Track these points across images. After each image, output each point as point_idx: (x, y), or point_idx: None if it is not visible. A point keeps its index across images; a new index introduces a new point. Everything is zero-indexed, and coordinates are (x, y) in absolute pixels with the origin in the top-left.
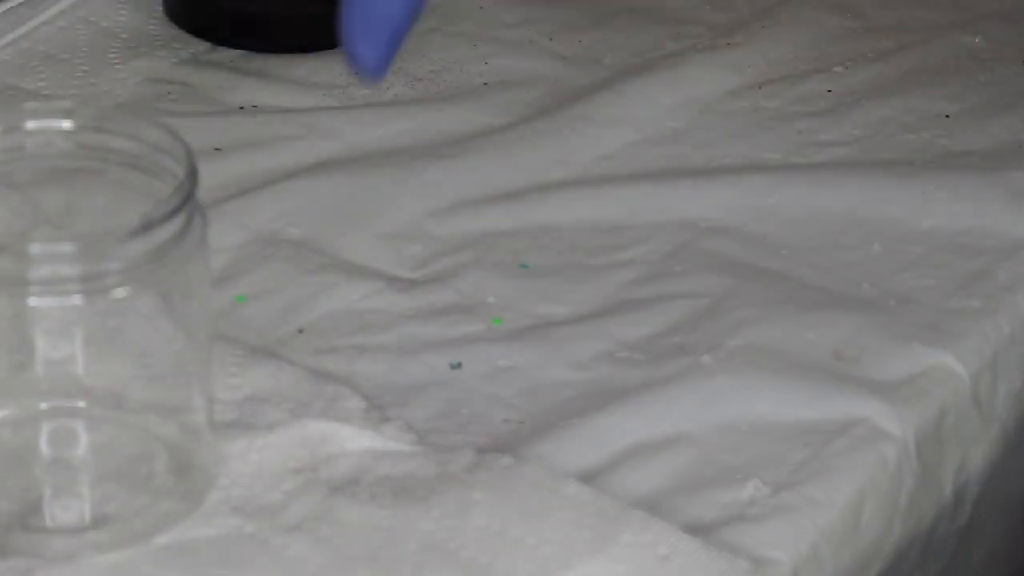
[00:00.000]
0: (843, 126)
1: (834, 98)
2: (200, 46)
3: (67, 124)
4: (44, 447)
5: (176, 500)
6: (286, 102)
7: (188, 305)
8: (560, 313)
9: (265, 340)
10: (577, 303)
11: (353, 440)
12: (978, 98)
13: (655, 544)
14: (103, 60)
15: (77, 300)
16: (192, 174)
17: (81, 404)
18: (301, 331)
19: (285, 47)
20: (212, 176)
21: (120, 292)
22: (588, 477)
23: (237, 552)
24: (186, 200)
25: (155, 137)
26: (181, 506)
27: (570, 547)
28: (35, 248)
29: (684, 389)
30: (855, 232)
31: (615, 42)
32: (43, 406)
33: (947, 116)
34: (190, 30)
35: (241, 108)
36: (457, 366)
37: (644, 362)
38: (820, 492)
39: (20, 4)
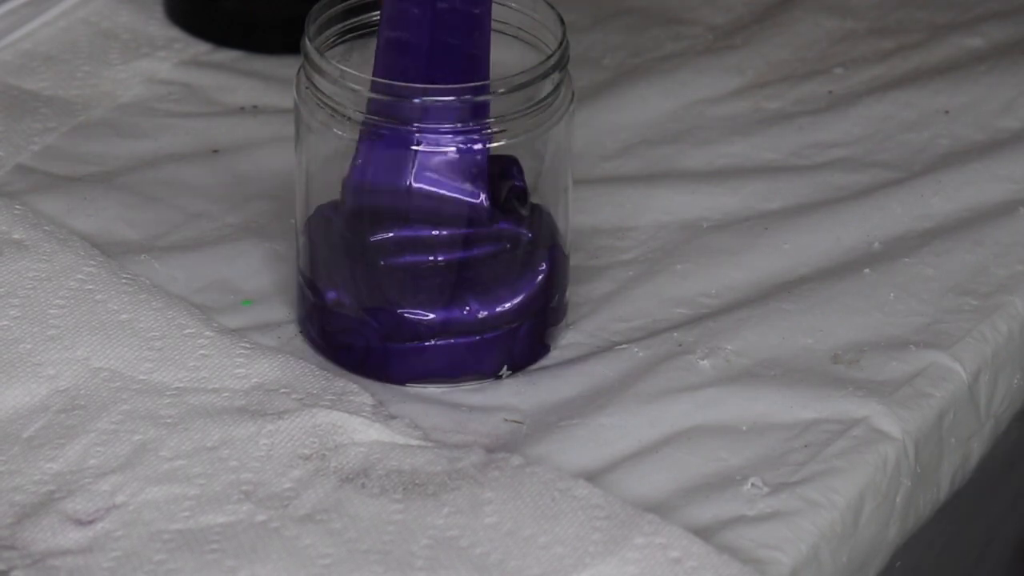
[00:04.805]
0: (844, 127)
1: (834, 99)
2: (201, 47)
3: None
4: None
5: None
6: (286, 102)
7: (553, 161)
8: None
9: (269, 339)
10: (579, 303)
11: (362, 432)
12: (978, 97)
13: (666, 548)
14: (104, 61)
15: (455, 147)
16: (565, 43)
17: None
18: (301, 332)
19: (285, 48)
20: (212, 176)
21: (495, 142)
22: (588, 477)
23: (250, 541)
24: (558, 65)
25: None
26: None
27: (581, 548)
28: (419, 97)
29: (684, 389)
30: (855, 231)
31: (615, 42)
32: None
33: (946, 112)
34: (191, 31)
35: (241, 108)
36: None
37: (644, 362)
38: (819, 493)
39: (21, 5)
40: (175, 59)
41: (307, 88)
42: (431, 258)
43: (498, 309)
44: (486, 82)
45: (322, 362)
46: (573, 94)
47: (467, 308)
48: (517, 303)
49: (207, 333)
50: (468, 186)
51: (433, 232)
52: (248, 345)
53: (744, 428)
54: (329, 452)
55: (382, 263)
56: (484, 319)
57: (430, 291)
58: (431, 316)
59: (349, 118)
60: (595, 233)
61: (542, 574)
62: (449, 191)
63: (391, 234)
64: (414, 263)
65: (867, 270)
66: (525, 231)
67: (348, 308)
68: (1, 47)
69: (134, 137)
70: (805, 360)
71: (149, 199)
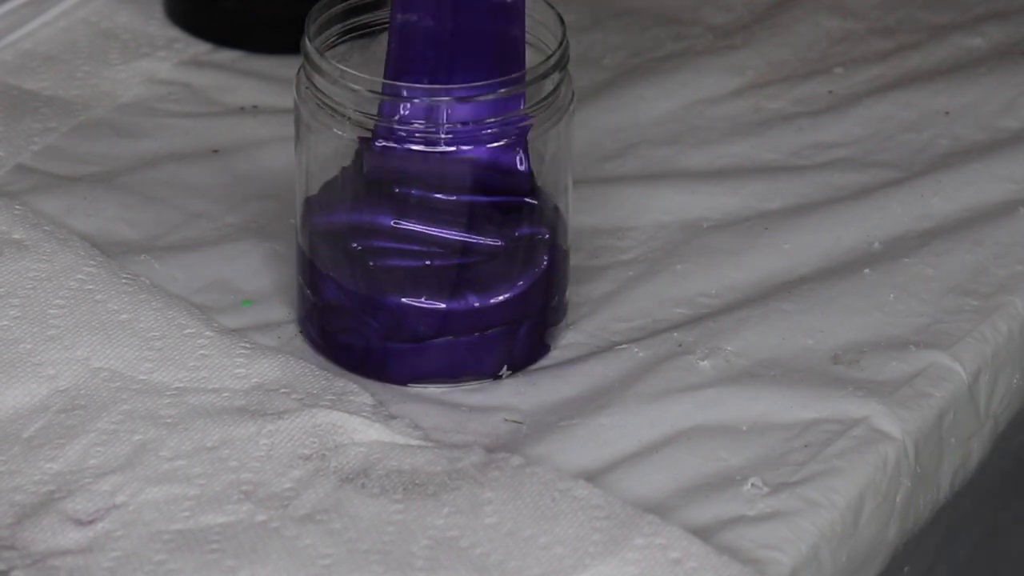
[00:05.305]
0: (844, 127)
1: (834, 99)
2: (201, 47)
3: None
4: None
5: None
6: (286, 102)
7: (553, 161)
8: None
9: (269, 339)
10: (579, 303)
11: (362, 432)
12: (978, 97)
13: (666, 548)
14: (104, 61)
15: (450, 147)
16: (565, 43)
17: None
18: (301, 332)
19: (285, 48)
20: (212, 176)
21: (493, 143)
22: (588, 477)
23: (250, 541)
24: (558, 65)
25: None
26: None
27: (582, 548)
28: (415, 97)
29: (684, 389)
30: (855, 231)
31: (615, 42)
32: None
33: (946, 112)
34: (191, 31)
35: (241, 108)
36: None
37: (644, 362)
38: (819, 493)
39: (21, 5)
40: (175, 59)
41: (307, 88)
42: (428, 263)
43: (498, 303)
44: (485, 83)
45: (322, 362)
46: (573, 94)
47: (468, 306)
48: (518, 297)
49: (207, 333)
50: (490, 229)
51: (429, 250)
52: (248, 345)
53: (744, 428)
54: (329, 452)
55: (375, 264)
56: (484, 315)
57: (430, 289)
58: (432, 308)
59: (349, 118)
60: (595, 233)
61: (542, 574)
62: (470, 238)
63: (392, 244)
64: (414, 265)
65: (867, 270)
66: (543, 231)
67: (347, 307)
68: (1, 47)
69: (134, 137)
70: (805, 360)
71: (149, 199)
